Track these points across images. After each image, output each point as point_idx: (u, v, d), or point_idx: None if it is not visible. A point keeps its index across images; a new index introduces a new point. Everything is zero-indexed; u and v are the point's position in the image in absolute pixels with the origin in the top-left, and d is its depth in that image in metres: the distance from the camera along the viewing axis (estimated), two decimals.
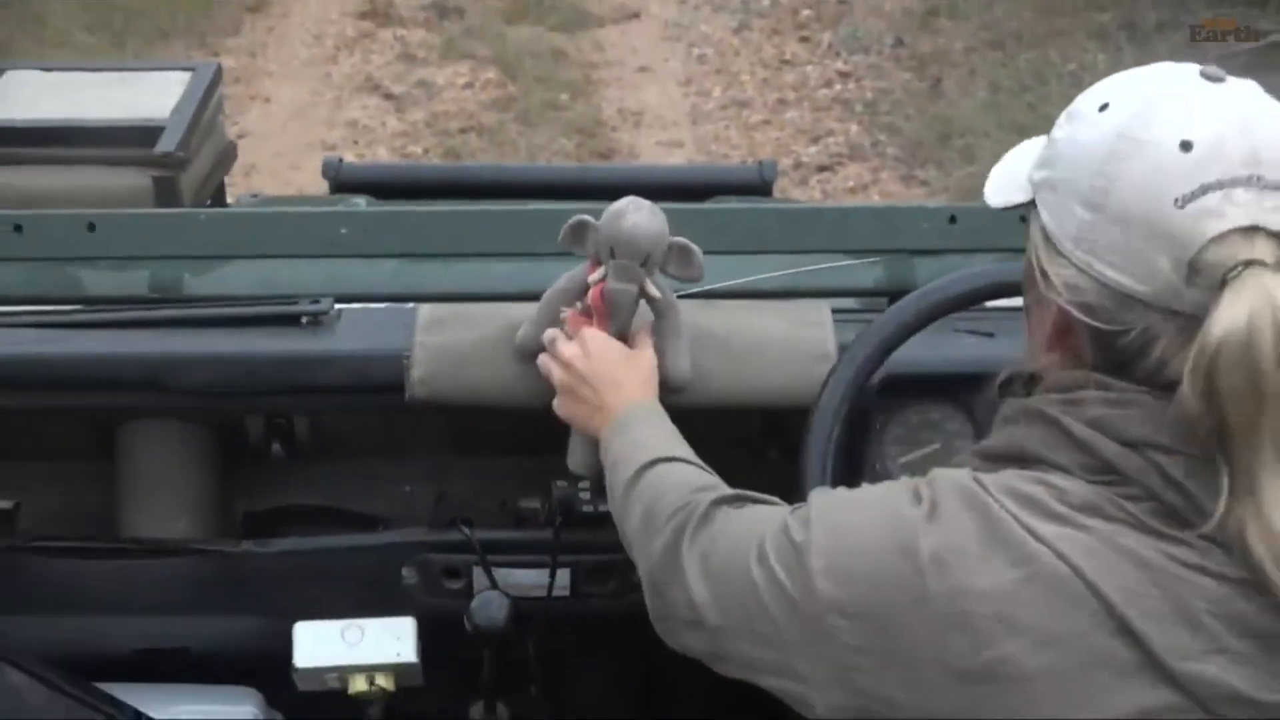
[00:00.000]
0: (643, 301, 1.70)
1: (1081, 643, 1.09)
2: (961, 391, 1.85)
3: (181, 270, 2.04)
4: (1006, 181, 1.27)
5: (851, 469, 1.78)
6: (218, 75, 2.57)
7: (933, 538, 1.15)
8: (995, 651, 1.10)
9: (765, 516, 1.31)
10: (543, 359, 1.70)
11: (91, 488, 1.94)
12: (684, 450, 1.52)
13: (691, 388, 1.73)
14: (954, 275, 1.68)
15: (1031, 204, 1.22)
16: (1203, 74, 1.15)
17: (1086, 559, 1.10)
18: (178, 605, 1.91)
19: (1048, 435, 1.17)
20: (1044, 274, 1.19)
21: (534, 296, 1.81)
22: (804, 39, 6.99)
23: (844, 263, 1.94)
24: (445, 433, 1.96)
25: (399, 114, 6.30)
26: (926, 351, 1.75)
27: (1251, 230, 1.08)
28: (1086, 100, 1.19)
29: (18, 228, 1.90)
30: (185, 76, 2.52)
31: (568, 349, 1.65)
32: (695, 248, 1.68)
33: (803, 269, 1.91)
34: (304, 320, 1.89)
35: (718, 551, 1.32)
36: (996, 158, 1.32)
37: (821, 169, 5.85)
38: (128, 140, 2.36)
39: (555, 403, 1.68)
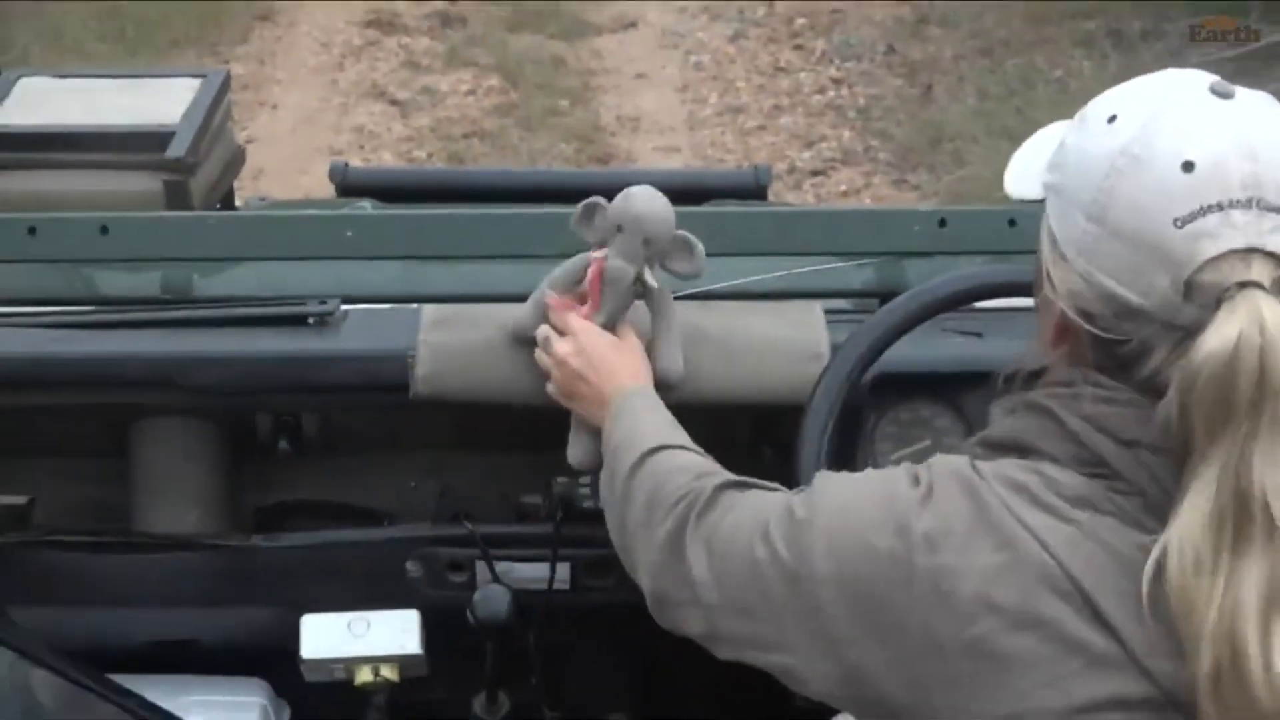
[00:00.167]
0: (638, 305, 1.70)
1: (1058, 629, 1.10)
2: (951, 390, 1.85)
3: (192, 272, 2.04)
4: (1024, 172, 1.26)
5: (844, 465, 1.77)
6: (227, 82, 2.56)
7: (925, 519, 1.15)
8: (975, 630, 1.11)
9: (768, 500, 1.32)
10: (539, 355, 1.70)
11: (104, 483, 1.93)
12: (682, 436, 1.52)
13: (687, 386, 1.73)
14: (943, 277, 1.68)
15: (1043, 202, 1.21)
16: (1212, 89, 1.13)
17: (1068, 550, 1.11)
18: (188, 598, 1.91)
19: (1044, 427, 1.17)
20: (1049, 276, 1.18)
21: None
22: (798, 47, 6.99)
23: (836, 265, 1.94)
24: (448, 430, 1.96)
25: (404, 120, 6.30)
26: (917, 351, 1.75)
27: (1249, 252, 1.08)
28: (1097, 107, 1.17)
29: (32, 230, 1.90)
30: (195, 83, 2.51)
31: (561, 346, 1.65)
32: (698, 242, 1.69)
33: (796, 271, 1.91)
34: (311, 321, 1.89)
35: (721, 533, 1.32)
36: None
37: (815, 173, 5.85)
38: (139, 145, 2.35)
39: (555, 394, 1.68)
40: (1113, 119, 1.14)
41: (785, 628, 1.23)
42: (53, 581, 1.88)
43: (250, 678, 1.86)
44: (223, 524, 1.94)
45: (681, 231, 1.69)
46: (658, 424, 1.55)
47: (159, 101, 2.46)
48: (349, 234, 1.92)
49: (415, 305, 1.87)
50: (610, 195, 1.71)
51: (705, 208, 2.31)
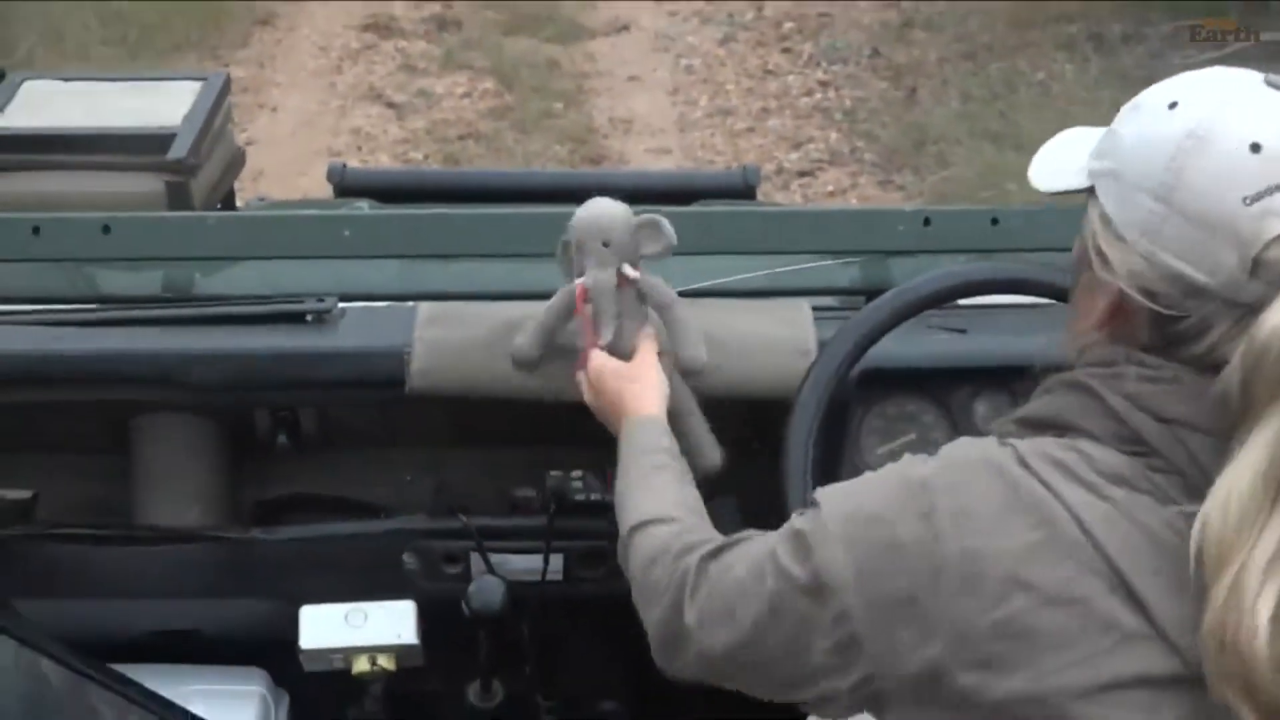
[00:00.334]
0: (649, 312, 1.70)
1: (1090, 606, 1.10)
2: (935, 384, 1.86)
3: (192, 271, 2.04)
4: (1057, 168, 1.27)
5: (831, 458, 1.78)
6: (227, 84, 2.56)
7: (949, 503, 1.14)
8: (1005, 609, 1.10)
9: (757, 544, 1.29)
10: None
11: (106, 478, 1.93)
12: (663, 484, 1.51)
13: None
14: (927, 275, 1.68)
15: (1089, 190, 1.21)
16: (1267, 82, 1.15)
17: (1104, 527, 1.11)
18: (189, 590, 1.91)
19: (1084, 404, 1.17)
20: (1103, 257, 1.18)
21: (528, 296, 1.81)
22: (786, 50, 6.99)
23: (823, 263, 1.95)
24: (444, 425, 1.96)
25: (400, 122, 6.29)
26: (902, 347, 1.75)
27: None
28: (1152, 96, 1.18)
29: (36, 230, 1.90)
30: (196, 86, 2.51)
31: (582, 387, 1.68)
32: (662, 219, 1.68)
33: (784, 269, 1.92)
34: (309, 318, 1.89)
35: (720, 600, 1.29)
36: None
37: (802, 174, 5.84)
38: (141, 147, 2.35)
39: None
40: (1174, 105, 1.15)
41: (813, 651, 1.20)
42: (56, 574, 1.88)
43: (250, 667, 1.86)
44: (223, 519, 1.94)
45: (643, 216, 1.69)
46: (641, 476, 1.53)
47: (161, 104, 2.46)
48: (347, 234, 1.92)
49: (411, 303, 1.87)
50: (605, 196, 1.71)
51: (695, 208, 2.32)
